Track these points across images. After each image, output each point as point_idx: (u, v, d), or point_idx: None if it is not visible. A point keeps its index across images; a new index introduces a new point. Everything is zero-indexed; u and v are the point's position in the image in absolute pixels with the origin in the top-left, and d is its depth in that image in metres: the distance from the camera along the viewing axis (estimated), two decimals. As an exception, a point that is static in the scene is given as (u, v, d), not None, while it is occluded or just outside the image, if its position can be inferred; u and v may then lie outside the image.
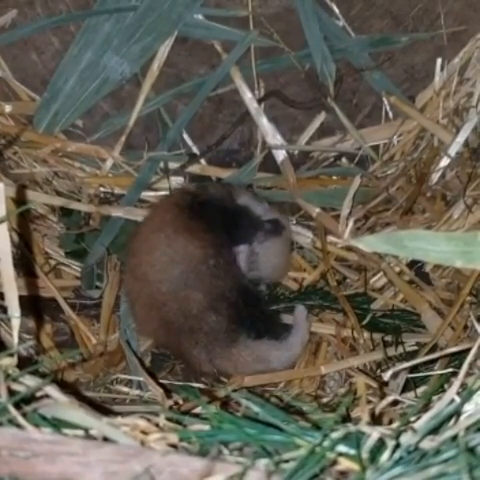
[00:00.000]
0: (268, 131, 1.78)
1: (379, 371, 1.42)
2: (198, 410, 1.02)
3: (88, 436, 0.69)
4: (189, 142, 1.82)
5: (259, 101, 1.78)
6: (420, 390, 1.27)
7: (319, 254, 1.69)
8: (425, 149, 1.77)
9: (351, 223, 1.65)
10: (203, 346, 1.44)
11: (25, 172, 1.73)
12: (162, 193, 1.76)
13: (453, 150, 1.71)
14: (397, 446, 0.66)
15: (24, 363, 0.76)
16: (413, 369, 1.27)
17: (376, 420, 0.82)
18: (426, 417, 0.70)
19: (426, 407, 0.81)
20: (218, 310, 1.44)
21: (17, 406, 0.69)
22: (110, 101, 1.80)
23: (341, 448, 0.66)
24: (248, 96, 1.77)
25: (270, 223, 1.61)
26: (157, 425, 0.72)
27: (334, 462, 0.66)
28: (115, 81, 1.76)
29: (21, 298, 0.86)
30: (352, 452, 0.66)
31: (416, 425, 0.70)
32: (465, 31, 1.77)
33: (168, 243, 1.47)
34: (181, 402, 1.18)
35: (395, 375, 1.24)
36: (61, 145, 1.77)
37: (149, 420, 0.71)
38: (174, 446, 0.69)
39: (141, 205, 1.76)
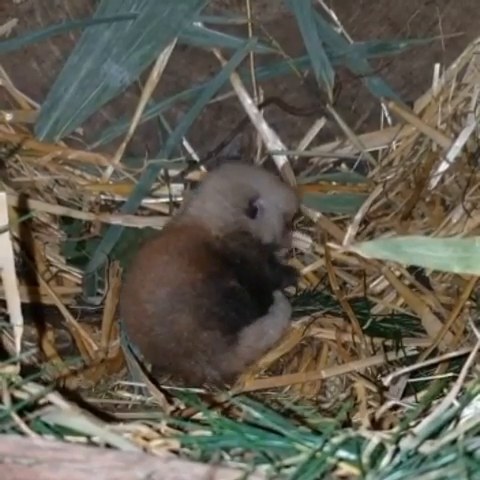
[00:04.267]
0: (268, 137, 1.79)
1: (380, 376, 1.42)
2: (199, 416, 1.02)
3: (91, 443, 0.70)
4: (189, 149, 1.82)
5: (259, 107, 1.79)
6: (421, 395, 1.27)
7: (319, 259, 1.70)
8: (424, 154, 1.78)
9: (351, 229, 1.65)
10: (205, 362, 1.44)
11: (26, 180, 1.74)
12: (163, 200, 1.76)
13: (452, 155, 1.72)
14: (397, 451, 0.67)
15: (27, 371, 0.76)
16: (413, 373, 1.27)
17: (376, 425, 0.82)
18: (426, 422, 0.71)
19: (426, 412, 0.82)
20: (209, 327, 1.44)
21: (20, 413, 0.69)
22: (110, 109, 1.81)
23: (341, 453, 0.67)
24: (248, 102, 1.78)
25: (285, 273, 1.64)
26: (159, 431, 0.72)
27: (335, 467, 0.66)
28: (115, 89, 1.77)
29: (23, 306, 0.86)
30: (352, 457, 0.66)
31: (416, 430, 0.70)
32: (463, 37, 1.77)
33: (164, 267, 1.47)
34: (182, 408, 1.18)
35: (395, 380, 1.25)
36: (62, 153, 1.77)
37: (151, 426, 0.72)
38: (176, 452, 0.70)
39: (142, 212, 1.76)
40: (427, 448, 0.67)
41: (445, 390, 1.09)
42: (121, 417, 1.13)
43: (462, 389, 0.77)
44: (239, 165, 1.68)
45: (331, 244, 1.63)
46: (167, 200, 1.76)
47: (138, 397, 1.42)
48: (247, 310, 1.50)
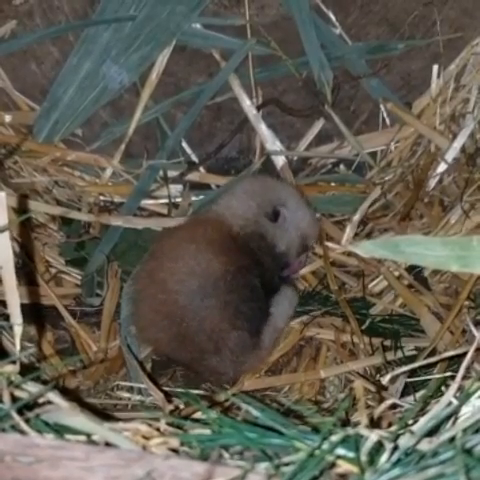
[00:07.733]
0: (267, 138, 1.80)
1: (378, 376, 1.43)
2: (199, 415, 1.03)
3: (90, 441, 0.70)
4: (188, 150, 1.83)
5: (257, 108, 1.80)
6: (419, 394, 1.28)
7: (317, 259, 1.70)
8: (422, 155, 1.78)
9: (349, 229, 1.66)
10: (230, 361, 1.44)
11: (25, 181, 1.74)
12: (162, 201, 1.77)
13: (450, 156, 1.72)
14: (395, 448, 0.67)
15: (26, 370, 0.76)
16: (412, 373, 1.28)
17: (375, 424, 0.83)
18: (424, 419, 0.71)
19: (424, 410, 0.82)
20: (238, 327, 1.44)
21: (20, 412, 0.69)
22: (109, 110, 1.81)
23: (340, 451, 0.67)
24: (247, 103, 1.78)
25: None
26: (158, 430, 0.72)
27: (333, 465, 0.67)
28: (114, 90, 1.78)
29: (22, 306, 0.86)
30: (351, 455, 0.66)
31: (414, 427, 0.71)
32: (461, 38, 1.78)
33: (195, 256, 1.45)
34: (182, 407, 1.18)
35: (394, 379, 1.25)
36: (61, 154, 1.78)
37: (150, 425, 0.72)
38: (175, 450, 0.70)
39: (141, 213, 1.77)
40: (425, 446, 0.67)
41: (443, 389, 1.09)
42: (120, 417, 1.13)
43: (460, 388, 0.77)
44: (274, 177, 1.70)
45: (329, 243, 1.64)
46: (166, 201, 1.77)
47: (137, 397, 1.42)
48: (265, 310, 1.50)
